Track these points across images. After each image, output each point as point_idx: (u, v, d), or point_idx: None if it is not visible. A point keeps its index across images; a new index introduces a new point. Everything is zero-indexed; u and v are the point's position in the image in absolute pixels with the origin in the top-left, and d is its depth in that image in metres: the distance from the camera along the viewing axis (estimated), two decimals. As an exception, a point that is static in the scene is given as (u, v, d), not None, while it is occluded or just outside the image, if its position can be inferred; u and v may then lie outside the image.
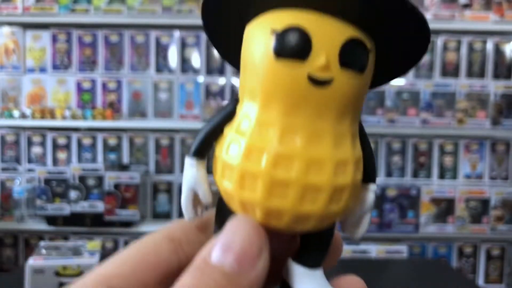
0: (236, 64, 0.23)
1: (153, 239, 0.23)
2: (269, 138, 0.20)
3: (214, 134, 0.23)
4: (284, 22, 0.20)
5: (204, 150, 0.24)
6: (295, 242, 0.24)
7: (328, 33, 0.20)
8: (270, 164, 0.20)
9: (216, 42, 0.25)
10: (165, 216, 2.45)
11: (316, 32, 0.20)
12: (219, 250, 0.20)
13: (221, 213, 0.24)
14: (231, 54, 0.24)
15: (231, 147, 0.22)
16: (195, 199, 0.24)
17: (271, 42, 0.20)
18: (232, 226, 0.21)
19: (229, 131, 0.22)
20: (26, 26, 2.46)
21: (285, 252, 0.24)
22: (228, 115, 0.23)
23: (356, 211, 0.24)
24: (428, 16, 2.32)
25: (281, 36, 0.20)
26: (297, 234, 0.24)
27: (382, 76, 0.24)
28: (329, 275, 0.25)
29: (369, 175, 0.24)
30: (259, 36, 0.21)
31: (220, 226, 0.22)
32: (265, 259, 0.21)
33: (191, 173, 0.24)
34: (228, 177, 0.22)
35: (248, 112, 0.21)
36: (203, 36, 2.43)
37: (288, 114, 0.20)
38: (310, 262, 0.23)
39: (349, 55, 0.20)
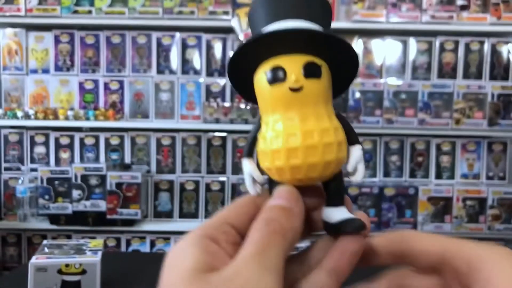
0: (253, 100, 0.38)
1: (244, 201, 0.36)
2: (289, 126, 0.34)
3: (253, 141, 0.37)
4: (269, 65, 0.35)
5: (251, 151, 0.37)
6: (322, 199, 0.37)
7: (293, 64, 0.35)
8: (301, 139, 0.34)
9: (240, 91, 0.39)
10: (167, 215, 2.48)
11: (286, 65, 0.34)
12: (274, 200, 0.34)
13: (271, 187, 0.37)
14: (248, 95, 0.38)
15: (272, 141, 0.35)
16: (253, 181, 0.37)
17: (265, 78, 0.35)
18: (279, 189, 0.35)
19: (265, 134, 0.36)
20: (29, 27, 2.49)
21: (313, 206, 0.37)
22: (257, 128, 0.37)
23: (352, 162, 0.37)
24: (426, 17, 2.35)
25: (269, 73, 0.35)
26: (320, 185, 0.37)
27: (340, 84, 0.39)
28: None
29: (353, 139, 0.37)
30: (260, 78, 0.36)
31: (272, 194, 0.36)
32: (302, 202, 0.35)
33: (247, 166, 0.37)
34: (277, 159, 0.35)
35: (270, 120, 0.36)
36: (204, 38, 2.46)
37: (287, 112, 0.35)
38: (335, 202, 0.36)
39: (308, 71, 0.34)
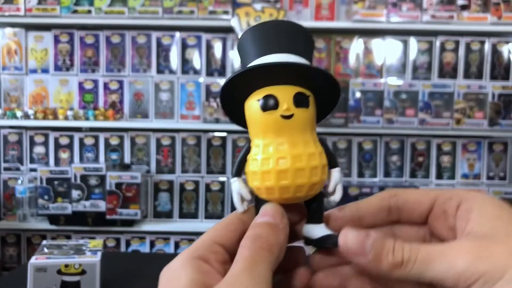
0: (242, 124, 0.41)
1: (231, 220, 0.39)
2: (279, 150, 0.38)
3: (242, 162, 0.40)
4: (262, 94, 0.38)
5: (239, 172, 0.40)
6: (303, 214, 0.40)
7: (284, 93, 0.38)
8: (291, 163, 0.37)
9: (230, 116, 0.42)
10: (166, 215, 2.48)
11: (279, 94, 0.38)
12: (261, 217, 0.37)
13: (258, 205, 0.40)
14: (239, 120, 0.41)
15: (263, 163, 0.38)
16: (241, 199, 0.40)
17: (259, 105, 0.38)
18: (265, 206, 0.38)
19: (256, 157, 0.39)
20: (29, 27, 2.49)
21: (296, 221, 0.40)
22: (247, 150, 0.40)
23: (333, 183, 0.40)
24: (426, 17, 2.34)
25: (262, 101, 0.38)
26: (302, 202, 0.40)
27: (323, 111, 0.42)
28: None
29: (333, 162, 0.40)
30: (252, 104, 0.39)
31: (258, 211, 0.39)
32: (286, 219, 0.38)
33: (236, 185, 0.40)
34: (267, 179, 0.38)
35: (261, 144, 0.38)
36: (204, 37, 2.46)
37: (277, 137, 0.38)
38: (316, 220, 0.40)
39: (298, 101, 0.38)
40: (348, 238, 0.35)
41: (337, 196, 0.40)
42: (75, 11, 2.38)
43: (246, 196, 0.40)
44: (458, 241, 0.34)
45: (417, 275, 0.33)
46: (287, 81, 0.39)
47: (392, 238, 0.35)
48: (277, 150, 0.38)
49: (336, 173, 0.40)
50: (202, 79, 2.46)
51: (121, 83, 2.47)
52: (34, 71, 2.49)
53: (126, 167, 2.45)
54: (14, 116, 2.37)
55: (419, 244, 0.34)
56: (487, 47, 2.43)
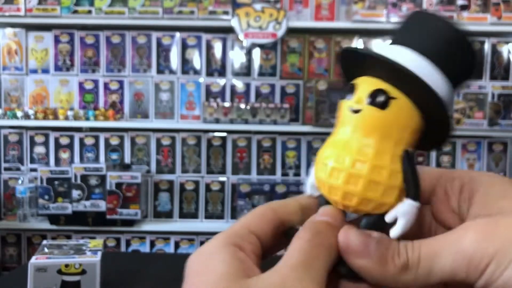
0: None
1: (264, 210, 0.35)
2: (338, 140, 0.34)
3: None
4: (353, 81, 0.34)
5: None
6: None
7: (366, 86, 0.33)
8: (350, 163, 0.32)
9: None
10: (167, 215, 2.48)
11: (360, 85, 0.33)
12: (321, 216, 0.34)
13: (320, 203, 0.36)
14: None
15: (322, 153, 0.35)
16: (313, 187, 0.37)
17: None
18: (325, 207, 0.35)
19: (323, 147, 0.35)
20: (29, 27, 2.49)
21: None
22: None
23: (392, 213, 0.33)
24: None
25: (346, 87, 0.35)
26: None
27: (429, 140, 0.35)
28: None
29: (408, 193, 0.33)
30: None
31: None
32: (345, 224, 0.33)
33: (311, 178, 0.36)
34: (320, 169, 0.34)
35: (333, 132, 0.35)
36: (204, 38, 2.46)
37: (342, 128, 0.34)
38: None
39: (373, 97, 0.32)
40: (350, 236, 0.32)
41: (394, 231, 0.33)
42: (75, 11, 2.38)
43: (314, 191, 0.37)
44: (462, 225, 0.30)
45: (426, 274, 0.30)
46: (381, 75, 0.33)
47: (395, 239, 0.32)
48: (336, 140, 0.34)
49: (404, 204, 0.33)
50: (202, 79, 2.46)
51: (121, 83, 2.47)
52: (34, 71, 2.49)
53: (126, 167, 2.45)
54: (14, 116, 2.37)
55: (420, 240, 0.31)
56: (487, 47, 2.43)
